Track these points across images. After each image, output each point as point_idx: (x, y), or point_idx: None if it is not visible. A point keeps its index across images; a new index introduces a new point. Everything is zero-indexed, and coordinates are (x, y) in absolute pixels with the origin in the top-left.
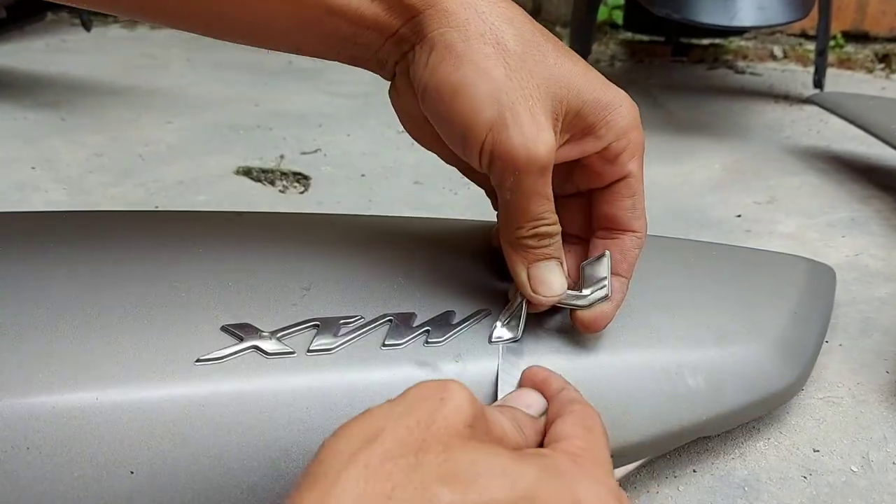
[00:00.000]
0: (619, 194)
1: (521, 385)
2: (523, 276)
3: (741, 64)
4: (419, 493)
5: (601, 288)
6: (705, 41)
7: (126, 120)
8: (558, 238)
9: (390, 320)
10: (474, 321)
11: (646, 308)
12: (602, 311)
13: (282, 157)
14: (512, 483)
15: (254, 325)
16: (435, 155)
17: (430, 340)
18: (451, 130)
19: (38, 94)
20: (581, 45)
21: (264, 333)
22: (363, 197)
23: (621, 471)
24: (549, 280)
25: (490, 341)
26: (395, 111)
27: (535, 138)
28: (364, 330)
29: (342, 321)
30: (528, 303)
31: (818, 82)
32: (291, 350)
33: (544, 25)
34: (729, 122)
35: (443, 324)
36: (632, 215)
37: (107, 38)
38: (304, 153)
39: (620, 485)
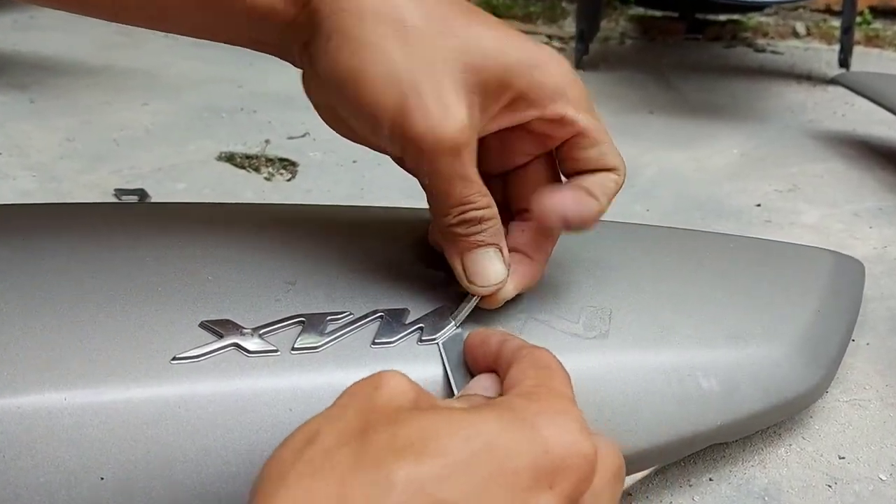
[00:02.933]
0: (579, 147)
1: (466, 353)
2: (458, 266)
3: (761, 42)
4: (373, 472)
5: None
6: (722, 17)
7: (100, 102)
8: (492, 222)
9: (381, 317)
10: (471, 316)
11: (655, 305)
12: (504, 294)
13: (267, 141)
14: (468, 437)
15: (234, 321)
16: None
17: (423, 338)
18: (359, 120)
19: (5, 74)
20: (588, 22)
21: (246, 330)
22: (355, 185)
23: (630, 479)
24: (485, 269)
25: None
26: (312, 104)
27: (443, 118)
28: (353, 327)
29: (329, 318)
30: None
31: (844, 61)
32: (275, 348)
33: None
34: (747, 105)
35: (437, 320)
36: (604, 159)
37: (79, 15)
38: (291, 137)
39: (629, 494)
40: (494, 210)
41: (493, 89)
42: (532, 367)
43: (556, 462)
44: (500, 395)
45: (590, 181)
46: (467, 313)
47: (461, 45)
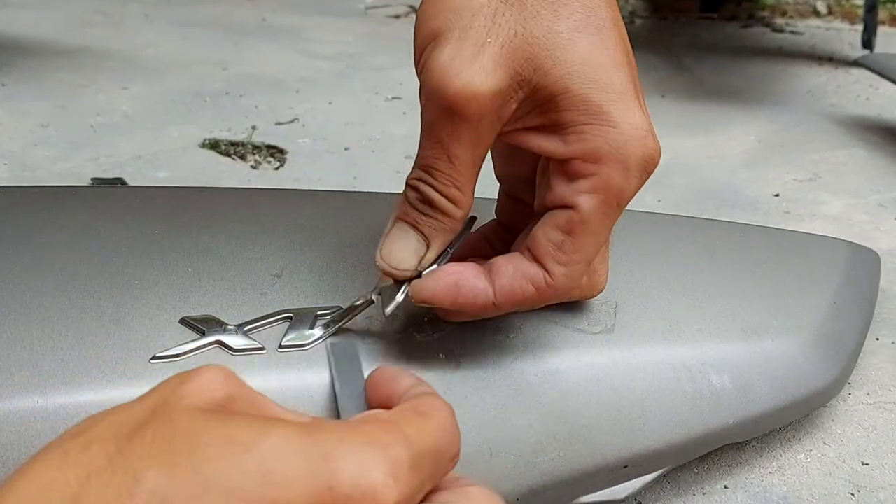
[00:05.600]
0: (552, 220)
1: (368, 387)
2: (387, 228)
3: (779, 21)
4: (117, 477)
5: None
6: None
7: (76, 85)
8: (444, 219)
9: None
10: None
11: (664, 297)
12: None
13: (254, 127)
14: (243, 450)
15: (217, 317)
16: None
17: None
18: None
19: None
20: None
21: (229, 327)
22: (347, 173)
23: (638, 482)
24: (397, 248)
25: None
26: None
27: (461, 71)
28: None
29: (318, 313)
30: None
31: (867, 42)
32: (260, 346)
33: None
34: (765, 88)
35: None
36: (553, 255)
37: None
38: (279, 123)
39: (639, 502)
40: (458, 211)
41: (537, 99)
42: (410, 407)
43: (338, 501)
44: None
45: (511, 271)
46: (395, 306)
47: (543, 40)
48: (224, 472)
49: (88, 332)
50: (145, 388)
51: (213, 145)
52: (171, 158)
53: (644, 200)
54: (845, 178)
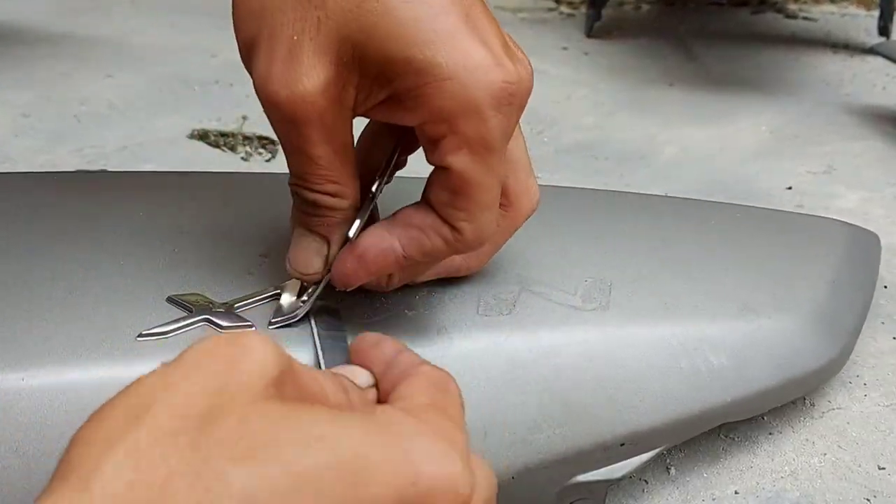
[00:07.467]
0: (437, 180)
1: (351, 354)
2: (292, 234)
3: (792, 7)
4: (203, 479)
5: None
6: None
7: (59, 74)
8: (333, 213)
9: None
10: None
11: (659, 276)
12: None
13: (244, 117)
14: (330, 448)
15: (205, 295)
16: None
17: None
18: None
19: None
20: None
21: (217, 305)
22: None
23: (636, 460)
24: (298, 255)
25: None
26: None
27: (280, 78)
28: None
29: (307, 290)
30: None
31: (884, 29)
32: (249, 323)
33: None
34: (778, 77)
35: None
36: (450, 212)
37: None
38: None
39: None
40: (343, 202)
41: (372, 77)
42: (429, 385)
43: (422, 496)
44: (375, 396)
45: (408, 226)
46: (316, 295)
47: (351, 9)
48: (309, 466)
49: (74, 311)
50: (131, 366)
51: (202, 136)
52: (157, 150)
53: (650, 192)
54: (861, 170)
